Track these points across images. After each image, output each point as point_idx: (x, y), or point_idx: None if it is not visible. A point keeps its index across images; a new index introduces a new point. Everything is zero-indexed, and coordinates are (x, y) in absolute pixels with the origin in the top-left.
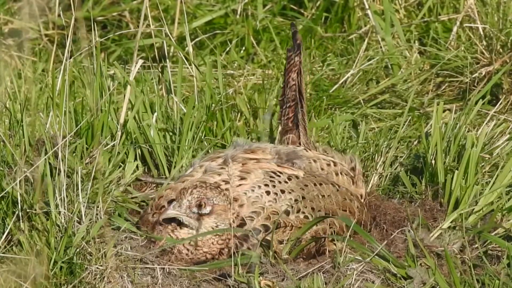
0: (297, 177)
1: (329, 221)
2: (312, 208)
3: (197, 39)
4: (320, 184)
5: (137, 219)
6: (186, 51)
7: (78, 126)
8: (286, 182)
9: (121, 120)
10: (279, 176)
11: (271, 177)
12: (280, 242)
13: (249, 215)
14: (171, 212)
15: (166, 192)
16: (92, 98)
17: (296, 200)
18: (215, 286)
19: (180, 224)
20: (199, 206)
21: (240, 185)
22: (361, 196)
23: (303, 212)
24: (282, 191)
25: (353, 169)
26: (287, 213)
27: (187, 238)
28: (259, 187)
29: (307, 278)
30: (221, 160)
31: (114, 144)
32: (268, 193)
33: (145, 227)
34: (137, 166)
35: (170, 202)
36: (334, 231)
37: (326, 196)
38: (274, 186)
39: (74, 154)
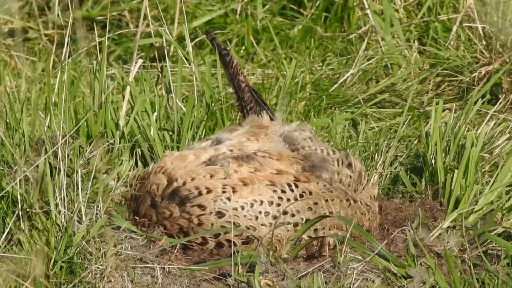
0: (310, 192)
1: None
2: (315, 230)
3: (197, 39)
4: (332, 200)
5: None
6: (186, 50)
7: (78, 125)
8: (296, 199)
9: (121, 120)
10: (292, 191)
11: (282, 191)
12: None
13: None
14: None
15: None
16: (92, 97)
17: (296, 224)
18: (215, 285)
19: None
20: None
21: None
22: (374, 196)
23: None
24: (285, 213)
25: (349, 165)
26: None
27: (185, 238)
28: (261, 203)
29: (307, 277)
30: (237, 152)
31: (113, 143)
32: (267, 214)
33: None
34: (136, 164)
35: None
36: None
37: (334, 213)
38: (279, 205)
39: (72, 153)
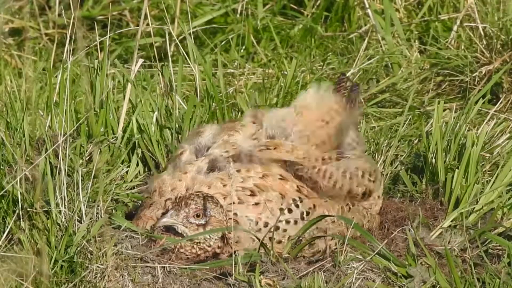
0: (314, 206)
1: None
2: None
3: (195, 29)
4: (334, 208)
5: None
6: (186, 50)
7: (78, 124)
8: (303, 218)
9: (122, 119)
10: (298, 206)
11: (289, 211)
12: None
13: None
14: (167, 220)
15: (162, 184)
16: (93, 96)
17: (300, 240)
18: (216, 285)
19: (175, 232)
20: (197, 216)
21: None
22: (378, 196)
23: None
24: (290, 237)
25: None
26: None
27: (189, 236)
28: (266, 225)
29: (308, 277)
30: (233, 151)
31: (113, 142)
32: (271, 240)
33: (139, 223)
34: (137, 163)
35: (165, 212)
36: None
37: (336, 221)
38: (285, 230)
39: (73, 152)
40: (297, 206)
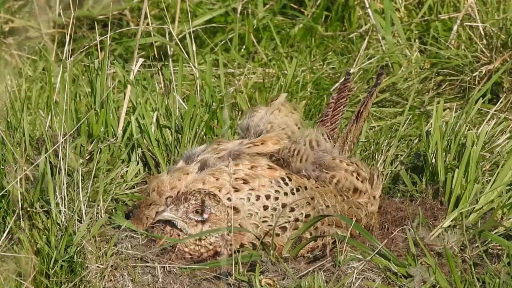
0: (305, 187)
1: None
2: (315, 228)
3: (195, 27)
4: (327, 195)
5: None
6: (186, 50)
7: (79, 124)
8: (293, 193)
9: (122, 119)
10: (287, 184)
11: (278, 186)
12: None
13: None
14: (167, 214)
15: (159, 187)
16: (93, 96)
17: (296, 219)
18: (216, 284)
19: (174, 227)
20: (196, 212)
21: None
22: (374, 197)
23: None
24: (284, 205)
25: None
26: (283, 230)
27: (189, 236)
28: (258, 197)
29: (308, 276)
30: (223, 152)
31: (113, 142)
32: (266, 208)
33: (138, 223)
34: (137, 163)
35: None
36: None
37: (331, 206)
38: (276, 198)
39: (73, 152)
40: (286, 184)
